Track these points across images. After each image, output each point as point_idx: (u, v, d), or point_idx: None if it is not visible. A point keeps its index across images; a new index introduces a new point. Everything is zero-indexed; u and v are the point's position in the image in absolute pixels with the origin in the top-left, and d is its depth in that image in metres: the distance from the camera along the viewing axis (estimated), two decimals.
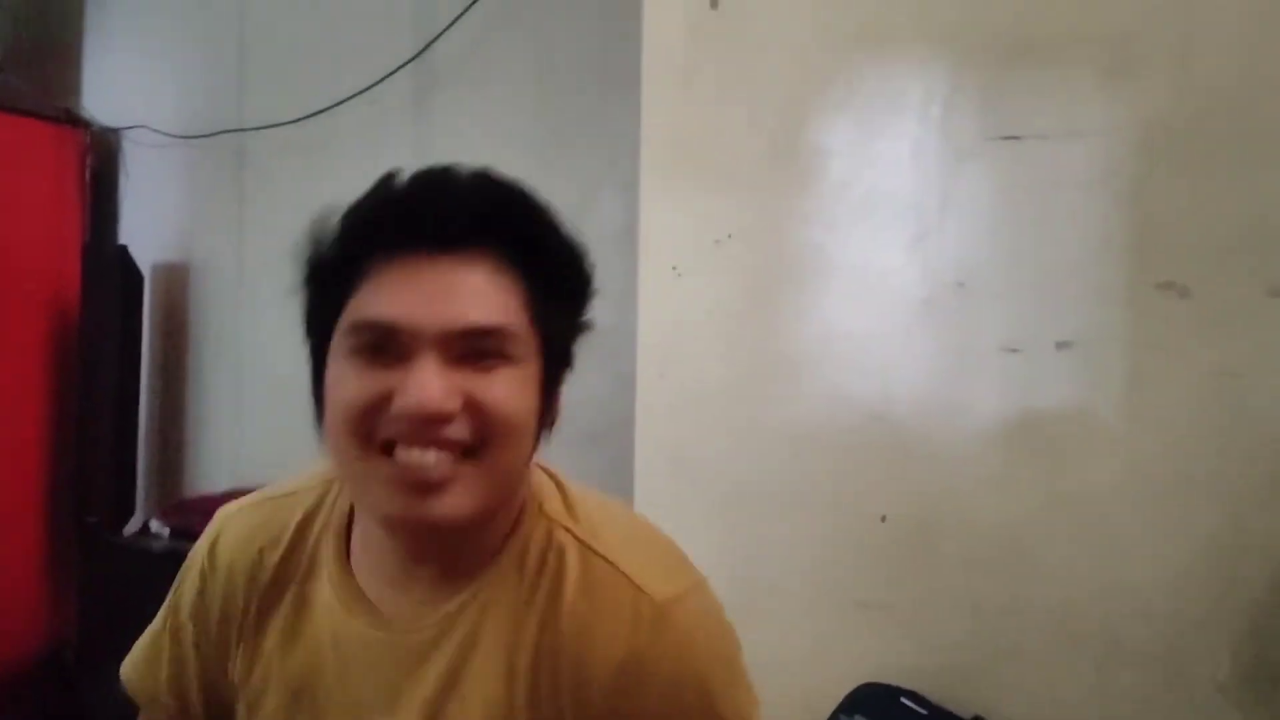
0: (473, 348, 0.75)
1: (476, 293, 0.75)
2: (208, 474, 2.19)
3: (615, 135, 1.72)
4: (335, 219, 0.78)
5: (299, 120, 1.88)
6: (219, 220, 2.12)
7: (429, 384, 0.73)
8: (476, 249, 0.75)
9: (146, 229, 2.22)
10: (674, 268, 1.72)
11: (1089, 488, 1.48)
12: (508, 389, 0.75)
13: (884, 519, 1.61)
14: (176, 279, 2.19)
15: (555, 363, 0.80)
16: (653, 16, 1.69)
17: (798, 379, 1.65)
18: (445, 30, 1.78)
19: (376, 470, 0.75)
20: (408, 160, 1.93)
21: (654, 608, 0.78)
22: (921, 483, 1.58)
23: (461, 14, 1.80)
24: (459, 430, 0.74)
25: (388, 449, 0.75)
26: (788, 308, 1.66)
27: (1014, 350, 1.52)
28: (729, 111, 1.67)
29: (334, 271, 0.77)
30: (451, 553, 0.81)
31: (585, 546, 0.82)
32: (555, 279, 0.78)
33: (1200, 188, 1.41)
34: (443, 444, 0.74)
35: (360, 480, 0.77)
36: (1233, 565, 1.41)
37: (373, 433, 0.75)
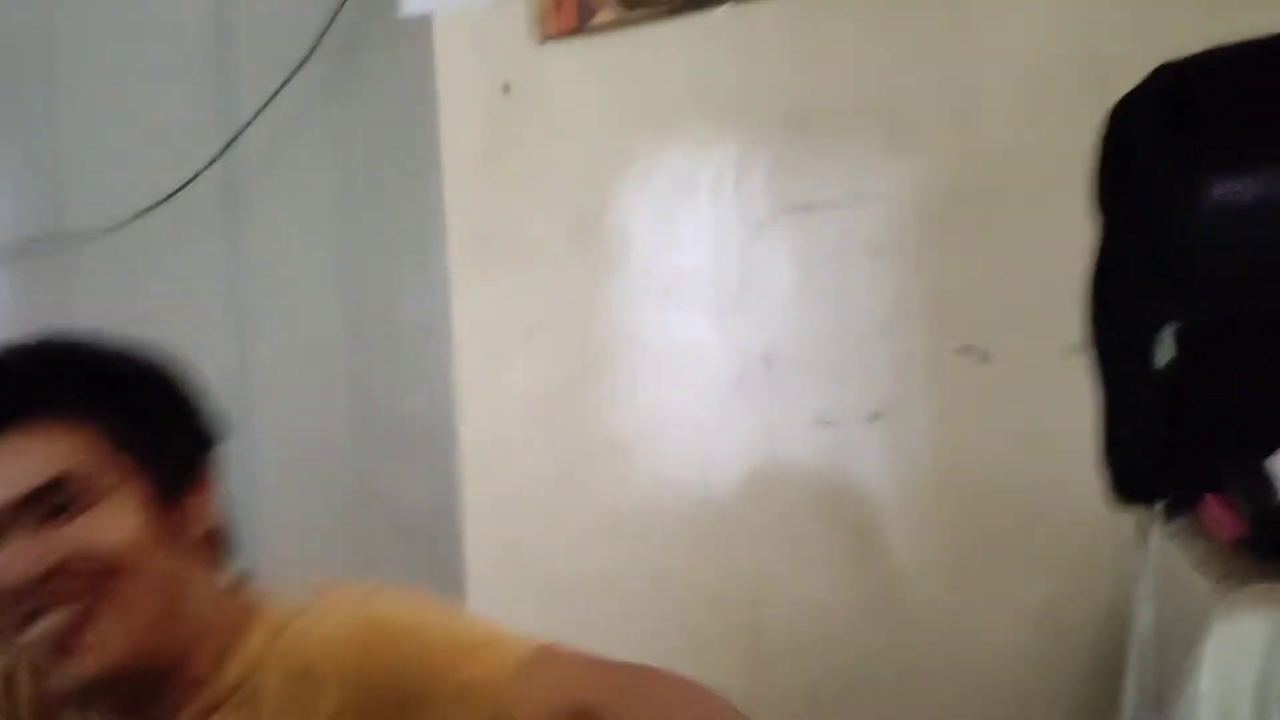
0: (51, 506, 0.77)
1: (32, 455, 0.78)
2: None
3: (422, 224, 1.68)
4: None
5: (112, 230, 1.83)
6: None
7: (15, 558, 0.75)
8: (25, 413, 0.78)
9: None
10: (488, 358, 1.67)
11: (907, 562, 1.44)
12: (100, 527, 0.77)
13: (713, 603, 1.55)
14: None
15: (165, 477, 0.81)
16: (448, 105, 1.65)
17: (619, 463, 1.60)
18: (245, 127, 1.73)
19: (26, 653, 0.79)
20: (221, 262, 1.85)
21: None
22: (746, 562, 1.53)
23: (261, 109, 1.76)
24: (71, 582, 0.76)
25: (20, 630, 0.77)
26: (603, 392, 1.61)
27: (827, 423, 1.48)
28: (529, 196, 1.63)
29: None
30: (142, 701, 0.81)
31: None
32: (122, 404, 0.81)
33: (989, 251, 1.39)
34: (65, 600, 0.76)
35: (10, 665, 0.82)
36: (1056, 637, 1.37)
37: (7, 621, 0.77)
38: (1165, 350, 0.95)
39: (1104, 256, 1.07)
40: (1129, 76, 1.25)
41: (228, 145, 1.75)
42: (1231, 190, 0.96)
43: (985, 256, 1.38)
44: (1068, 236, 1.32)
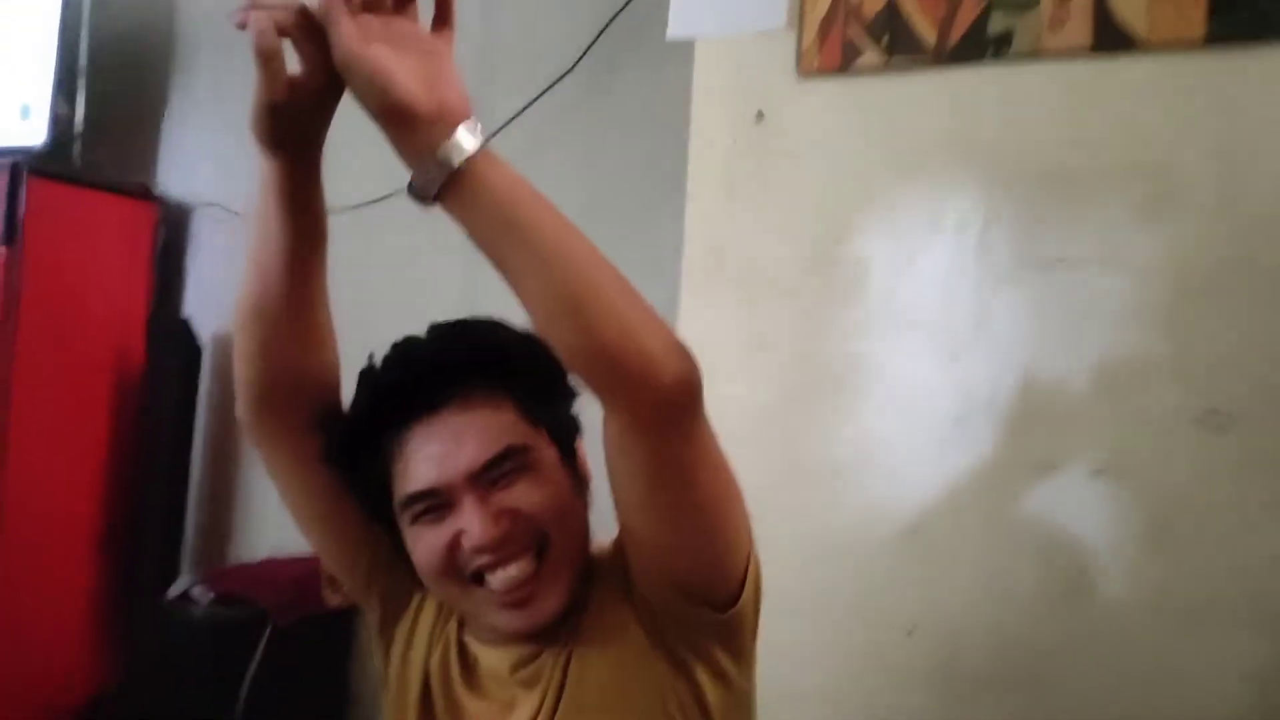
0: (498, 471, 0.92)
1: (479, 431, 0.92)
2: (250, 544, 2.24)
3: (659, 241, 1.76)
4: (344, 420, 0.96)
5: (358, 206, 1.95)
6: None
7: (479, 520, 0.90)
8: (460, 393, 0.92)
9: (210, 303, 2.30)
10: (710, 369, 1.73)
11: (1120, 612, 1.46)
12: (537, 490, 0.92)
13: (911, 632, 1.60)
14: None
15: (564, 439, 0.97)
16: (700, 128, 1.73)
17: (833, 486, 1.65)
18: (497, 132, 1.83)
19: (480, 599, 0.93)
20: (461, 260, 1.95)
21: None
22: (950, 598, 1.57)
23: (516, 115, 1.86)
24: (521, 538, 0.91)
25: (478, 579, 0.93)
26: (824, 415, 1.67)
27: (1047, 471, 1.52)
28: (770, 220, 1.69)
29: (365, 465, 0.95)
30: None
31: None
32: (532, 381, 0.94)
33: (1239, 323, 1.41)
34: (517, 554, 0.91)
35: (470, 611, 0.97)
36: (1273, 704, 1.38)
37: (460, 571, 0.93)
38: None
39: None
40: None
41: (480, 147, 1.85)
42: None
43: (1234, 328, 1.40)
44: None
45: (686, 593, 0.91)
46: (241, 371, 0.94)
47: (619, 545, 0.96)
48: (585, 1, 1.84)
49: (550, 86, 1.81)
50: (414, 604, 1.06)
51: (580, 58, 1.79)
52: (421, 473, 0.92)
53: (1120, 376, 1.47)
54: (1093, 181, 1.49)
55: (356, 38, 0.73)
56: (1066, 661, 1.48)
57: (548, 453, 0.95)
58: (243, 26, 0.75)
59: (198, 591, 2.00)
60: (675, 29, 1.75)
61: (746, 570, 0.93)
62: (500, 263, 0.78)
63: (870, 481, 1.63)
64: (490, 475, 0.92)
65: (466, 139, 0.74)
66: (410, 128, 0.74)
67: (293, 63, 0.78)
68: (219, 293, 2.30)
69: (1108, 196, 1.48)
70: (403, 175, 0.78)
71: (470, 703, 1.00)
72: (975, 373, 1.57)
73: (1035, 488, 1.52)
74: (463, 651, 1.02)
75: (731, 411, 1.72)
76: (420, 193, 0.76)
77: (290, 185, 0.85)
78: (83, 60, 2.28)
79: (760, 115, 1.70)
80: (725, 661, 0.95)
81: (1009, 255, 1.55)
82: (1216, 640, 1.40)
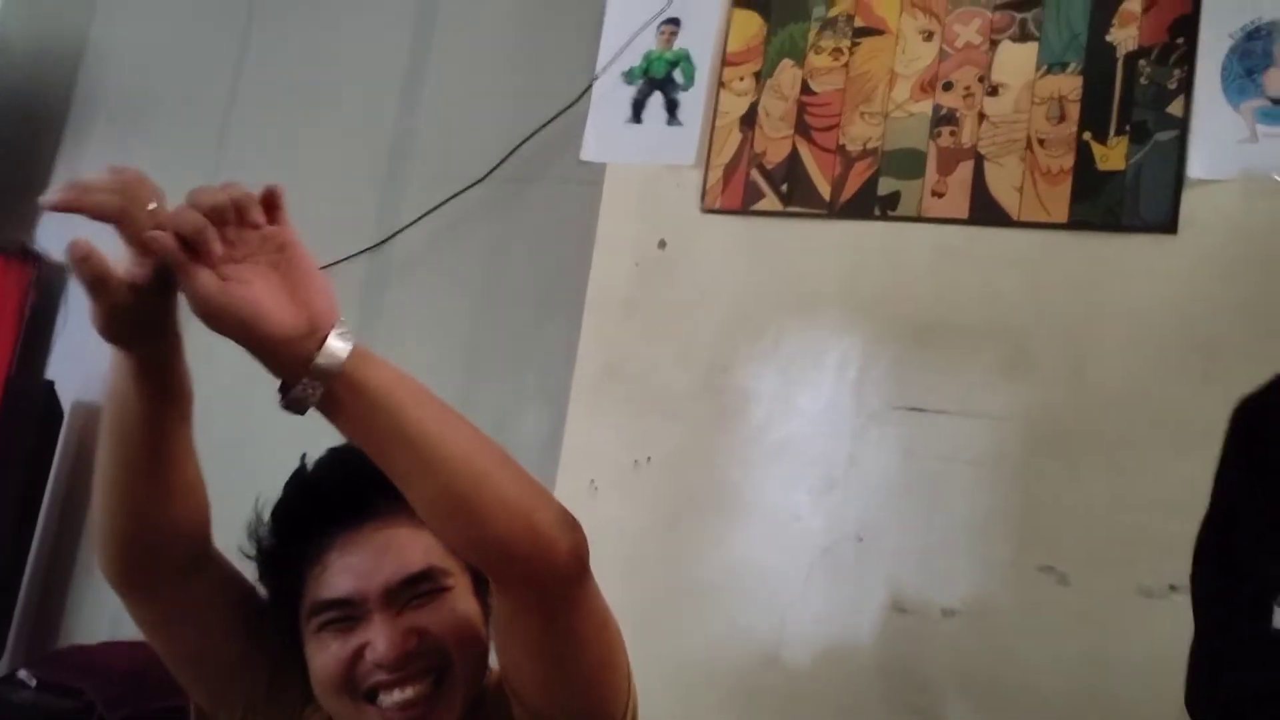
0: (413, 591, 0.92)
1: (401, 547, 0.92)
2: (86, 625, 2.11)
3: (549, 351, 1.80)
4: (267, 524, 0.96)
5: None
6: None
7: (387, 636, 0.90)
8: (390, 507, 0.90)
9: (76, 368, 2.21)
10: (591, 482, 1.77)
11: None
12: (449, 614, 0.92)
13: None
14: (95, 419, 2.17)
15: (478, 572, 0.93)
16: (604, 248, 1.80)
17: (701, 610, 1.68)
18: (405, 227, 1.86)
19: (371, 716, 0.91)
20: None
21: None
22: None
23: (426, 213, 1.89)
24: (424, 660, 0.91)
25: (371, 697, 0.91)
26: (698, 537, 1.71)
27: (904, 611, 1.58)
28: (663, 345, 1.76)
29: (280, 569, 0.95)
30: None
31: None
32: None
33: (1082, 482, 1.52)
34: (416, 677, 0.91)
35: None
36: None
37: (356, 685, 0.91)
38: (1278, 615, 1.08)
39: (1219, 516, 1.21)
40: (1229, 363, 1.44)
41: (385, 240, 1.88)
42: None
43: (1078, 486, 1.51)
44: (1155, 484, 1.48)
45: None
46: (106, 526, 0.88)
47: (499, 687, 0.95)
48: (507, 111, 1.90)
49: (462, 191, 1.86)
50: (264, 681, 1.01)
51: (496, 166, 1.85)
52: (339, 582, 0.92)
53: (974, 523, 1.56)
54: (959, 338, 1.61)
55: (215, 286, 0.69)
56: None
57: (462, 580, 0.95)
58: (53, 208, 0.69)
59: (23, 675, 1.86)
60: (590, 152, 1.83)
61: (626, 709, 0.93)
62: (384, 463, 0.77)
63: (735, 604, 1.66)
64: (406, 594, 0.92)
65: (339, 346, 0.72)
66: (284, 350, 0.71)
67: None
68: (86, 358, 2.22)
69: (971, 353, 1.60)
70: None
71: None
72: (844, 508, 1.64)
73: (890, 624, 1.58)
74: None
75: (608, 527, 1.76)
76: (298, 404, 0.72)
77: (149, 370, 0.79)
78: None
79: (663, 243, 1.78)
80: None
81: (881, 398, 1.64)
82: None
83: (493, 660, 0.96)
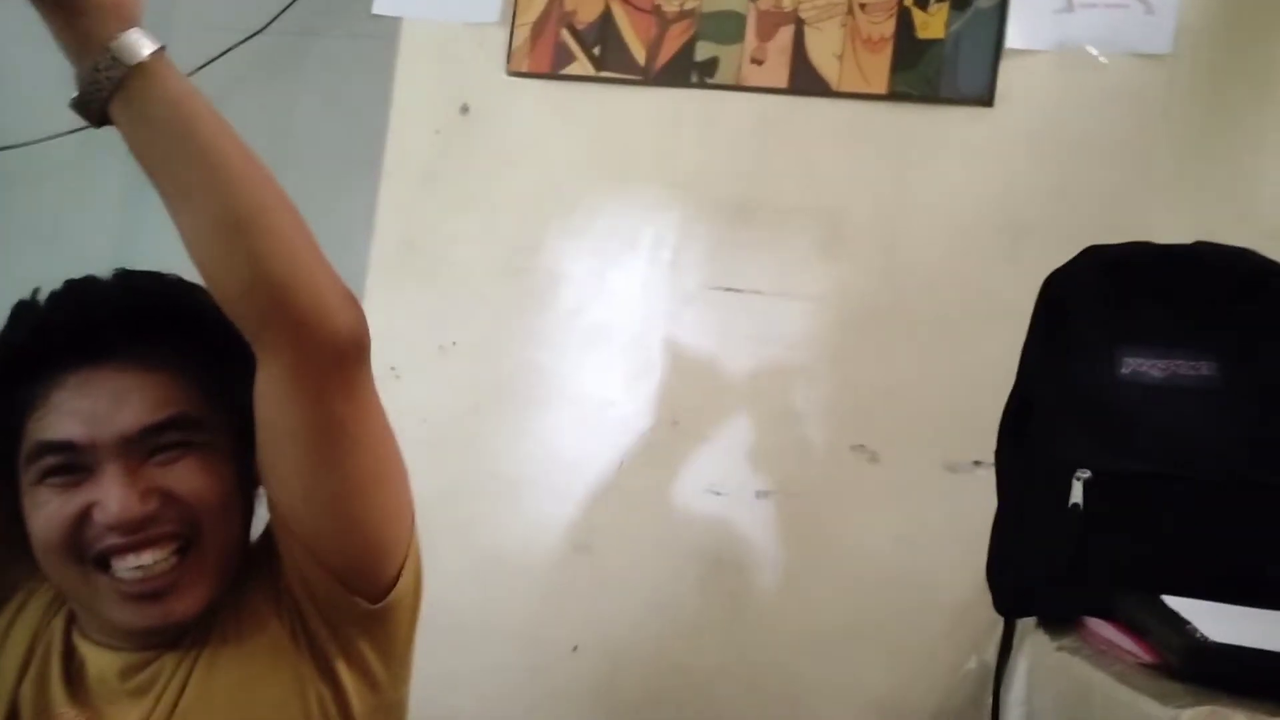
0: (156, 444, 0.78)
1: (144, 393, 0.78)
2: None
3: (343, 225, 1.61)
4: None
5: (30, 144, 1.65)
6: None
7: (121, 493, 0.76)
8: (135, 351, 0.79)
9: None
10: (392, 368, 1.61)
11: (770, 636, 1.49)
12: (200, 475, 0.79)
13: (575, 649, 1.55)
14: None
15: (244, 433, 0.80)
16: (401, 113, 1.61)
17: (509, 500, 1.58)
18: (200, 68, 1.61)
19: (100, 587, 0.78)
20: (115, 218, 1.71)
21: None
22: (614, 617, 1.54)
23: (205, 65, 1.64)
24: (166, 525, 0.77)
25: (102, 563, 0.77)
26: (506, 425, 1.59)
27: (718, 494, 1.53)
28: (467, 220, 1.60)
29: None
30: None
31: None
32: (224, 357, 0.79)
33: (893, 362, 1.48)
34: (155, 542, 0.77)
35: (87, 598, 0.79)
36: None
37: (84, 550, 0.77)
38: (1075, 491, 1.06)
39: (1023, 396, 1.18)
40: (1039, 242, 1.41)
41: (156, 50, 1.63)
42: (1144, 365, 1.09)
43: (890, 367, 1.48)
44: (963, 363, 1.46)
45: (337, 575, 0.80)
46: None
47: (265, 537, 0.84)
48: None
49: (239, 43, 1.61)
50: (13, 606, 0.86)
51: (275, 17, 1.61)
52: (64, 425, 0.77)
53: (788, 404, 1.51)
54: (775, 216, 1.52)
55: None
56: (720, 682, 1.49)
57: (221, 440, 0.81)
58: None
59: None
60: (382, 4, 1.62)
61: (405, 559, 0.82)
62: (166, 177, 0.71)
63: (546, 495, 1.57)
64: (147, 444, 0.78)
65: (142, 39, 0.68)
66: (83, 16, 0.68)
67: None
68: None
69: (787, 232, 1.52)
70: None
71: (64, 710, 0.82)
72: (659, 392, 1.55)
73: (705, 508, 1.53)
74: (69, 653, 0.84)
75: (412, 414, 1.62)
76: (91, 92, 0.68)
77: None
78: None
79: (465, 109, 1.61)
80: (374, 662, 0.84)
81: (696, 278, 1.55)
82: (851, 666, 1.46)
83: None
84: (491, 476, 1.58)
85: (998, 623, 1.24)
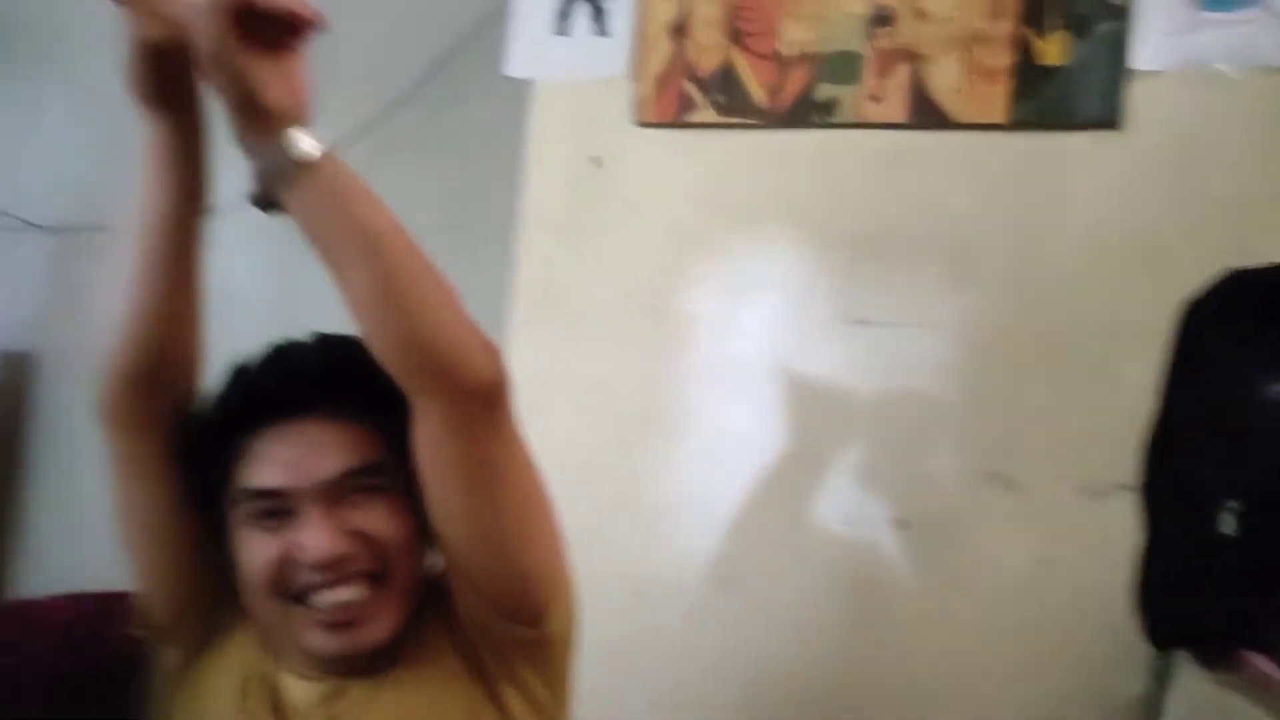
0: (349, 489, 0.88)
1: (338, 443, 0.89)
2: (31, 579, 2.02)
3: (484, 277, 1.70)
4: (206, 406, 0.92)
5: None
6: (73, 313, 2.01)
7: (320, 534, 0.85)
8: (330, 404, 0.89)
9: None
10: (536, 409, 1.68)
11: (914, 656, 1.50)
12: (388, 516, 0.88)
13: (719, 672, 1.59)
14: (21, 370, 2.05)
15: (415, 483, 0.88)
16: (536, 167, 1.69)
17: (651, 531, 1.64)
18: (340, 147, 1.73)
19: (298, 619, 0.88)
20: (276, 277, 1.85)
21: None
22: (757, 642, 1.57)
23: (355, 136, 1.77)
24: (359, 562, 0.87)
25: (302, 598, 0.87)
26: (645, 460, 1.65)
27: (856, 524, 1.55)
28: (602, 266, 1.67)
29: (212, 451, 0.90)
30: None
31: None
32: (401, 412, 0.86)
33: (1029, 387, 1.48)
34: (350, 578, 0.87)
35: (288, 629, 0.89)
36: None
37: (287, 587, 0.87)
38: (1226, 519, 1.05)
39: (1164, 422, 1.17)
40: (1176, 262, 1.39)
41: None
42: None
43: (1024, 393, 1.47)
44: (1100, 385, 1.44)
45: (497, 604, 0.88)
46: (119, 339, 0.89)
47: (439, 574, 0.93)
48: (428, 29, 1.77)
49: (382, 116, 1.73)
50: (227, 646, 0.97)
51: (415, 89, 1.72)
52: (270, 473, 0.88)
53: (922, 433, 1.52)
54: (902, 247, 1.54)
55: (235, 40, 0.75)
56: (863, 706, 1.51)
57: (403, 484, 0.89)
58: None
59: None
60: (515, 67, 1.71)
61: (558, 588, 0.91)
62: (329, 252, 0.80)
63: (687, 526, 1.62)
64: (343, 489, 0.88)
65: (310, 139, 0.78)
66: (268, 119, 0.77)
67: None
68: (8, 307, 2.09)
69: (915, 263, 1.53)
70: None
71: None
72: (793, 425, 1.59)
73: (841, 537, 1.55)
74: (274, 687, 0.94)
75: (555, 450, 1.69)
76: (268, 185, 0.78)
77: (176, 143, 0.86)
78: None
79: (597, 161, 1.68)
80: (538, 687, 0.92)
81: (827, 312, 1.58)
82: (994, 689, 1.45)
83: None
84: (633, 509, 1.64)
85: (1144, 648, 1.23)
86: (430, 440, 0.83)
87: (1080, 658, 1.42)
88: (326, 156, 0.79)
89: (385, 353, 0.81)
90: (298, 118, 0.78)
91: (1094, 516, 1.43)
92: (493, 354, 0.83)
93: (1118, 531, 1.39)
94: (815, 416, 1.57)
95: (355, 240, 0.79)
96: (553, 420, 1.68)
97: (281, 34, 0.77)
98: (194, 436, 0.91)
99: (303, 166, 0.77)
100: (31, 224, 2.06)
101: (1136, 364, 1.38)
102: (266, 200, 0.79)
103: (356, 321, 0.81)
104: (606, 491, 1.65)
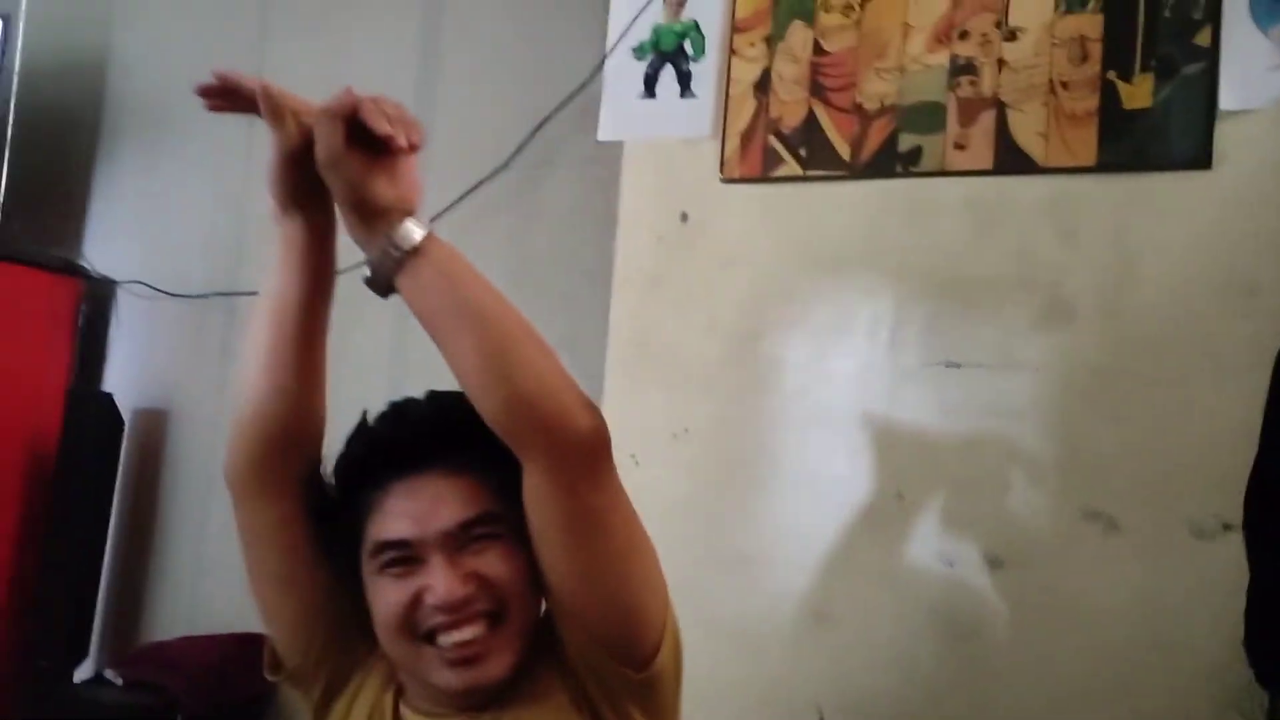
0: (469, 537, 0.93)
1: (457, 494, 0.94)
2: (165, 622, 2.15)
3: (582, 331, 1.77)
4: (330, 474, 0.99)
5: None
6: (203, 373, 2.14)
7: (445, 579, 0.91)
8: (447, 459, 0.94)
9: (132, 377, 2.23)
10: (633, 457, 1.74)
11: (1010, 698, 1.49)
12: (504, 561, 0.93)
13: (821, 716, 1.60)
14: (156, 426, 2.19)
15: (524, 527, 0.93)
16: (627, 225, 1.76)
17: (748, 574, 1.66)
18: (431, 222, 1.82)
19: (429, 657, 0.93)
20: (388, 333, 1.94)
21: None
22: (855, 681, 1.58)
23: (456, 202, 1.86)
24: (480, 604, 0.92)
25: (430, 638, 0.93)
26: (740, 504, 1.68)
27: (950, 563, 1.55)
28: (692, 316, 1.72)
29: (344, 509, 0.96)
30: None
31: None
32: (512, 465, 0.90)
33: (1125, 428, 1.47)
34: (473, 619, 0.92)
35: (417, 667, 0.95)
36: None
37: (416, 628, 0.93)
38: None
39: (1267, 462, 1.16)
40: (1272, 299, 1.37)
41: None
42: None
43: (1122, 431, 1.46)
44: (1199, 422, 1.42)
45: (605, 648, 0.92)
46: (251, 408, 0.96)
47: (549, 617, 0.97)
48: (522, 98, 1.86)
49: (483, 181, 1.82)
50: (354, 686, 1.03)
51: (515, 153, 1.81)
52: (398, 525, 0.93)
53: (1015, 473, 1.52)
54: (991, 290, 1.55)
55: (346, 145, 0.83)
56: None
57: (517, 531, 0.94)
58: (207, 95, 0.87)
59: (109, 675, 1.90)
60: (606, 131, 1.78)
61: (663, 631, 0.94)
62: (435, 325, 0.86)
63: (782, 569, 1.64)
64: (463, 537, 0.93)
65: (416, 228, 0.85)
66: (376, 218, 0.85)
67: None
68: (141, 368, 2.24)
69: (1004, 304, 1.54)
70: None
71: None
72: (883, 467, 1.60)
73: (937, 577, 1.55)
74: None
75: (651, 498, 1.73)
76: (381, 274, 0.85)
77: (309, 239, 0.93)
78: (8, 133, 2.23)
79: (685, 216, 1.74)
80: None
81: (915, 356, 1.59)
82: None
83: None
84: (730, 553, 1.67)
85: (1254, 687, 1.20)
86: (537, 494, 0.88)
87: (1185, 697, 1.40)
88: (432, 240, 0.85)
89: (492, 416, 0.87)
90: (406, 210, 0.85)
91: (1198, 556, 1.41)
92: (592, 412, 0.88)
93: (1222, 572, 1.37)
94: (905, 458, 1.58)
95: (461, 316, 0.85)
96: (649, 468, 1.73)
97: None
98: (326, 497, 0.98)
99: (411, 254, 0.84)
100: (165, 292, 2.20)
101: (1238, 400, 1.37)
102: (381, 284, 0.86)
103: (462, 385, 0.87)
104: (702, 538, 1.69)
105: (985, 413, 1.54)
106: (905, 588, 1.57)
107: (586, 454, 0.87)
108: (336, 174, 0.84)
